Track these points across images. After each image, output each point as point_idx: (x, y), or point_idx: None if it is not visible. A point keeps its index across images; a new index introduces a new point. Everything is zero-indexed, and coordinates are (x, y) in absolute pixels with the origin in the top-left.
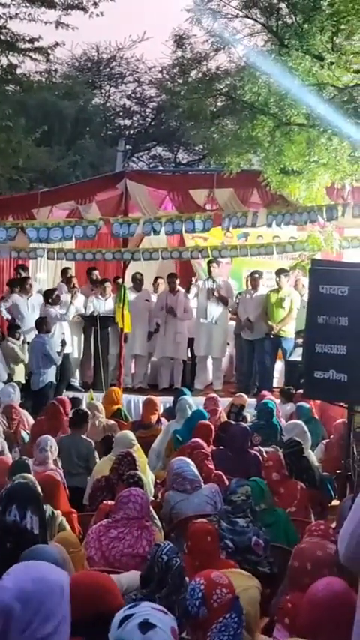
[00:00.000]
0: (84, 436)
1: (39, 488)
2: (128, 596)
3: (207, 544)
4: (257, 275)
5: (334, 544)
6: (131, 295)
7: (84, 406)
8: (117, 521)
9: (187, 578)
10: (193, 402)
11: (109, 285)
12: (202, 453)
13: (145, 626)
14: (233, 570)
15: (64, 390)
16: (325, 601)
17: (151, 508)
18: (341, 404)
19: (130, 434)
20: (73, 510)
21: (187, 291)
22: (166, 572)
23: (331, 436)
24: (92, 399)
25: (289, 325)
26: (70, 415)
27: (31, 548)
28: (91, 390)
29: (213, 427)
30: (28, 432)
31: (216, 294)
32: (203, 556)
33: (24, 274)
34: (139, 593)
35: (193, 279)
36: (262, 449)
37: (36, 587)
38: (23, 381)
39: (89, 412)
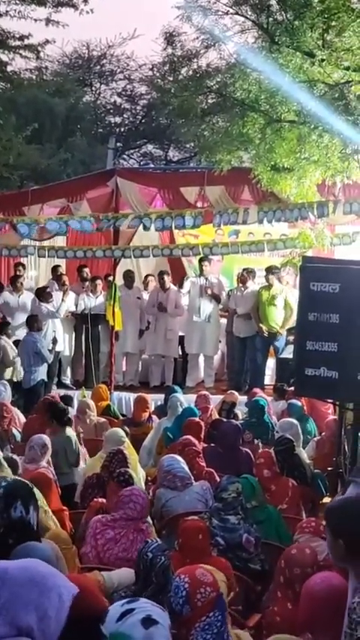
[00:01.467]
0: (66, 433)
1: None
2: (118, 594)
3: (198, 541)
4: (248, 272)
5: (325, 540)
6: (122, 293)
7: (75, 404)
8: (115, 520)
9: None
10: (185, 400)
11: (99, 283)
12: (193, 451)
13: (148, 621)
14: (201, 566)
15: (56, 388)
16: (323, 595)
17: None
18: (332, 401)
19: (120, 430)
20: (64, 508)
21: (181, 286)
22: (150, 570)
23: (322, 433)
24: (84, 397)
25: (281, 322)
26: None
27: (24, 545)
28: (83, 387)
29: (203, 424)
30: (20, 429)
31: (208, 291)
32: (194, 553)
33: (21, 272)
34: (128, 590)
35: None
36: (259, 443)
37: (18, 573)
38: (14, 379)
39: (81, 409)
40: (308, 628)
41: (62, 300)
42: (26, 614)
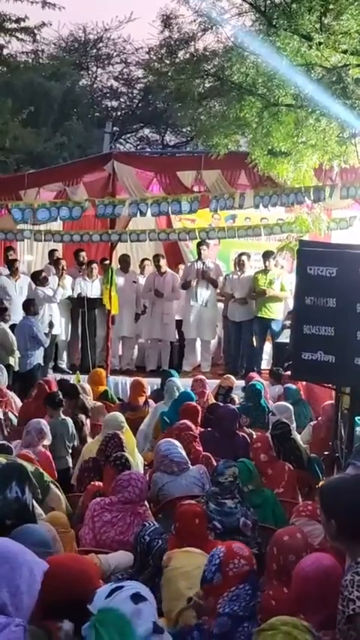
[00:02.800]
0: (62, 417)
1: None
2: (115, 577)
3: (195, 526)
4: (244, 257)
5: (321, 524)
6: (118, 277)
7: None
8: (113, 503)
9: None
10: (181, 384)
11: (95, 267)
12: (190, 435)
13: (138, 597)
14: (186, 549)
15: (52, 372)
16: (313, 576)
17: None
18: (329, 385)
19: (120, 415)
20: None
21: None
22: (147, 553)
23: (319, 417)
24: (79, 381)
25: (278, 307)
26: (46, 398)
27: (22, 527)
28: (77, 372)
29: (200, 408)
30: (16, 414)
31: (206, 276)
32: (191, 538)
33: (13, 256)
34: (125, 573)
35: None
36: (252, 433)
37: None
38: (12, 364)
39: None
40: (300, 609)
41: (59, 284)
42: None
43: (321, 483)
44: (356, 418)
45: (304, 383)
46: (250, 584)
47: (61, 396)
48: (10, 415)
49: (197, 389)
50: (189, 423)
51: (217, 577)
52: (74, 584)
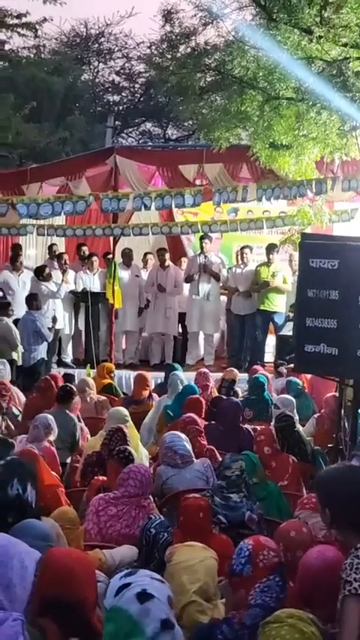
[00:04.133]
0: (68, 412)
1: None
2: (120, 571)
3: (199, 520)
4: (247, 250)
5: None
6: (121, 271)
7: (76, 382)
8: (117, 498)
9: None
10: (185, 378)
11: (96, 260)
12: (196, 429)
13: (144, 596)
14: (189, 543)
15: (56, 366)
16: (318, 568)
17: None
18: (332, 377)
19: (124, 410)
20: (60, 484)
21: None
22: (153, 546)
23: (322, 410)
24: (89, 375)
25: (281, 300)
26: (58, 390)
27: (22, 522)
28: (88, 365)
29: (203, 402)
30: (20, 408)
31: (207, 269)
32: (195, 532)
33: (20, 252)
34: (130, 567)
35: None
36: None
37: None
38: (15, 359)
39: (81, 388)
40: (306, 603)
41: (63, 280)
42: None
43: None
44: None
45: (308, 376)
46: (279, 575)
47: (74, 392)
48: (14, 410)
49: (201, 382)
50: (195, 416)
51: (248, 569)
52: (67, 582)
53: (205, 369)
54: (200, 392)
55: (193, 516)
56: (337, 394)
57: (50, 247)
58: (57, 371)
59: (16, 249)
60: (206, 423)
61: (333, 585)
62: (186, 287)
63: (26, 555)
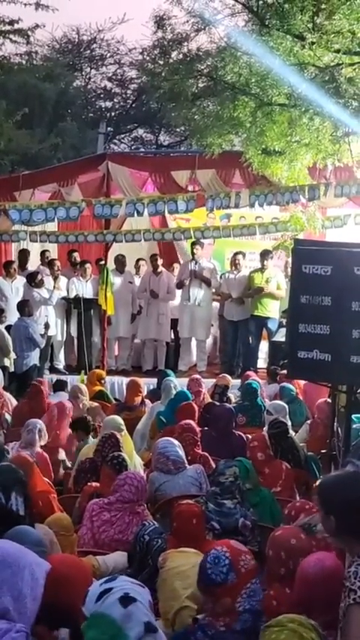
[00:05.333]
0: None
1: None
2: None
3: (192, 526)
4: (240, 256)
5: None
6: (114, 278)
7: (68, 389)
8: (112, 503)
9: None
10: (178, 384)
11: (89, 267)
12: (192, 437)
13: (126, 600)
14: (182, 549)
15: (49, 373)
16: (317, 577)
17: None
18: (325, 383)
19: (119, 419)
20: (52, 490)
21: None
22: (147, 552)
23: (315, 416)
24: (83, 381)
25: (274, 306)
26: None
27: (14, 529)
28: (82, 372)
29: (196, 408)
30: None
31: (198, 275)
32: (188, 538)
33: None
34: (124, 574)
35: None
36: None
37: None
38: (8, 365)
39: (73, 394)
40: (305, 610)
41: (54, 287)
42: (0, 595)
43: (318, 481)
44: (353, 416)
45: (301, 382)
46: (259, 577)
47: (92, 421)
48: (7, 416)
49: (193, 388)
50: (193, 424)
51: (232, 576)
52: (73, 589)
53: (197, 375)
54: (193, 398)
55: (187, 523)
56: (329, 400)
57: (43, 253)
58: (49, 377)
59: (24, 254)
60: (199, 429)
61: (332, 592)
62: (178, 293)
63: (37, 567)
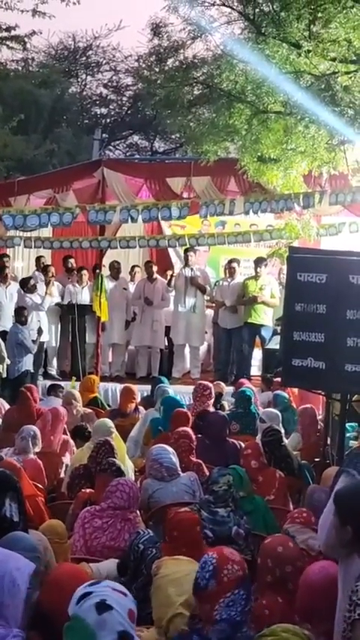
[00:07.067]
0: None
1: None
2: None
3: (194, 534)
4: (234, 263)
5: (315, 532)
6: (109, 284)
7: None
8: (103, 510)
9: None
10: (172, 391)
11: (85, 273)
12: (188, 444)
13: (102, 607)
14: (175, 557)
15: (42, 379)
16: (320, 585)
17: None
18: (319, 392)
19: (108, 421)
20: (39, 493)
21: (169, 284)
22: (141, 561)
23: (305, 422)
24: (74, 387)
25: (268, 313)
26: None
27: (7, 535)
28: (73, 378)
29: (190, 415)
30: None
31: (194, 282)
32: (188, 546)
33: (7, 263)
34: (118, 581)
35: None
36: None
37: None
38: (1, 371)
39: (67, 400)
40: (307, 618)
41: (46, 292)
42: None
43: (336, 489)
44: (347, 425)
45: (295, 390)
46: (243, 588)
47: (89, 429)
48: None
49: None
50: (190, 431)
51: (212, 584)
52: (61, 598)
53: (206, 382)
54: (194, 404)
55: (188, 530)
56: (309, 406)
57: (38, 259)
58: (43, 383)
59: (4, 258)
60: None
61: (335, 601)
62: (172, 300)
63: (17, 572)
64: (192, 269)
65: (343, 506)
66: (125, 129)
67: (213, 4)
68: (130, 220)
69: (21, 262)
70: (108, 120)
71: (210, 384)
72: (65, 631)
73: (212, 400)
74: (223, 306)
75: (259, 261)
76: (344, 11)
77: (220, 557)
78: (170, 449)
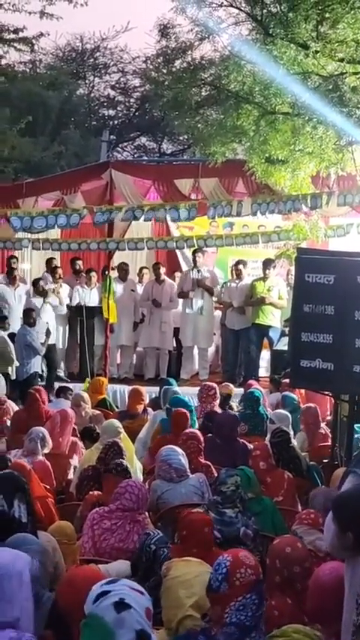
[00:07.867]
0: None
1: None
2: None
3: (205, 534)
4: (241, 265)
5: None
6: (117, 286)
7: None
8: (112, 512)
9: None
10: (180, 392)
11: (94, 275)
12: (196, 446)
13: (121, 605)
14: (185, 558)
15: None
16: (332, 586)
17: None
18: (327, 393)
19: (116, 422)
20: (49, 495)
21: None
22: (154, 562)
23: (308, 423)
24: (87, 389)
25: (276, 315)
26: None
27: (15, 536)
28: (87, 379)
29: (188, 414)
30: None
31: (201, 284)
32: (200, 546)
33: (14, 265)
34: None
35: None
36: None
37: None
38: (10, 373)
39: (76, 402)
40: (318, 619)
41: (53, 290)
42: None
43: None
44: (355, 426)
45: (303, 391)
46: (256, 593)
47: (97, 430)
48: (8, 423)
49: (206, 394)
50: (198, 433)
51: (224, 586)
52: (76, 599)
53: (212, 383)
54: (200, 404)
55: (199, 531)
56: (312, 405)
57: (49, 261)
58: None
59: (12, 259)
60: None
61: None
62: (180, 301)
63: (24, 571)
64: (200, 270)
65: (342, 513)
66: (133, 130)
67: (220, 5)
68: (133, 219)
69: (28, 264)
70: (116, 121)
71: (214, 385)
72: (83, 628)
73: (218, 400)
74: (230, 308)
75: (267, 263)
76: (352, 12)
77: (234, 560)
78: (180, 450)
